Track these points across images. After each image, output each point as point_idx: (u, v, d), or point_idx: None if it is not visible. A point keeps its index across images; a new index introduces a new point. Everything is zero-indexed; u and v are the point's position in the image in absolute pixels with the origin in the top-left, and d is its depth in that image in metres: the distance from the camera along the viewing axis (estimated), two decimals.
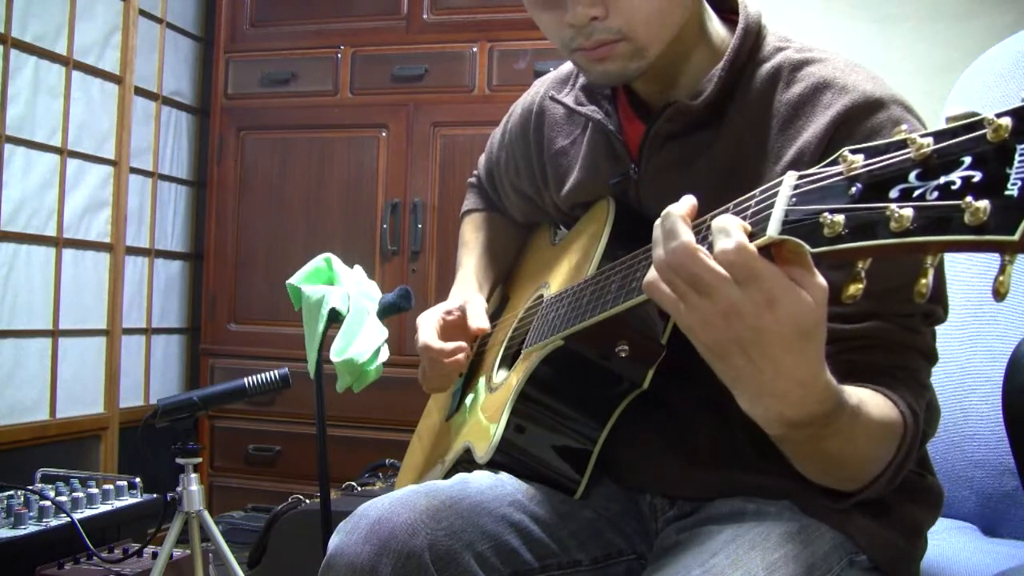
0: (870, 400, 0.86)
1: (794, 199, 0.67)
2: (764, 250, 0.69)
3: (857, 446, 0.85)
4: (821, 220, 0.63)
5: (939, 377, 1.37)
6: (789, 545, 0.95)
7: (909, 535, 1.02)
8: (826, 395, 0.77)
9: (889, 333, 0.92)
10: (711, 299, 0.70)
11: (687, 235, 0.71)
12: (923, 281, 0.61)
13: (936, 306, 0.96)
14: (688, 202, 0.75)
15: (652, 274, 0.74)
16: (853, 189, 0.63)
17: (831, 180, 0.65)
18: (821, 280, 0.71)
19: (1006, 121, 0.56)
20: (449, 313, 1.27)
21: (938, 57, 2.60)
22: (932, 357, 0.97)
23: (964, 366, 1.41)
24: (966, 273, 1.42)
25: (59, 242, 2.84)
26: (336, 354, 1.67)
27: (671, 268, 0.72)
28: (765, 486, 1.02)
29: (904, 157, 0.61)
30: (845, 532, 0.99)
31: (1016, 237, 0.54)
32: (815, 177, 0.66)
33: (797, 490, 0.98)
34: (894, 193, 0.60)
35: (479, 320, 1.25)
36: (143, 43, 3.19)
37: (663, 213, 0.74)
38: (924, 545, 1.06)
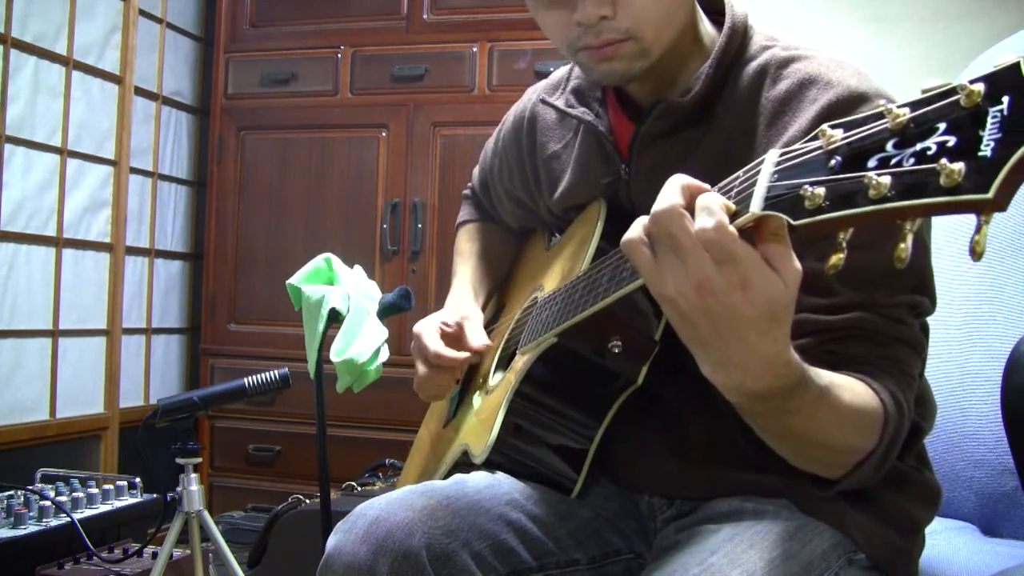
0: (844, 385, 0.86)
1: (776, 175, 0.68)
2: (746, 228, 0.70)
3: (826, 428, 0.85)
4: (802, 192, 0.64)
5: (939, 377, 1.37)
6: (787, 544, 0.95)
7: (906, 533, 1.03)
8: (787, 371, 0.77)
9: (874, 324, 0.93)
10: (686, 266, 0.71)
11: (676, 198, 0.72)
12: (902, 246, 0.61)
13: (922, 297, 0.96)
14: (700, 182, 0.75)
15: (634, 231, 0.75)
16: (833, 162, 0.64)
17: (811, 155, 0.66)
18: (796, 264, 0.71)
19: (978, 87, 0.56)
20: (447, 325, 1.27)
21: (938, 57, 2.61)
22: (919, 347, 0.97)
23: (963, 366, 1.41)
24: (967, 274, 1.42)
25: (59, 242, 2.84)
26: (336, 354, 1.67)
27: (654, 223, 0.72)
28: (763, 485, 1.02)
29: (881, 127, 0.62)
30: (843, 530, 0.99)
31: (990, 195, 0.54)
32: (796, 153, 0.68)
33: (794, 488, 0.98)
34: (872, 163, 0.61)
35: (478, 338, 1.25)
36: (143, 43, 3.19)
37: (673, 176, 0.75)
38: (922, 543, 1.06)
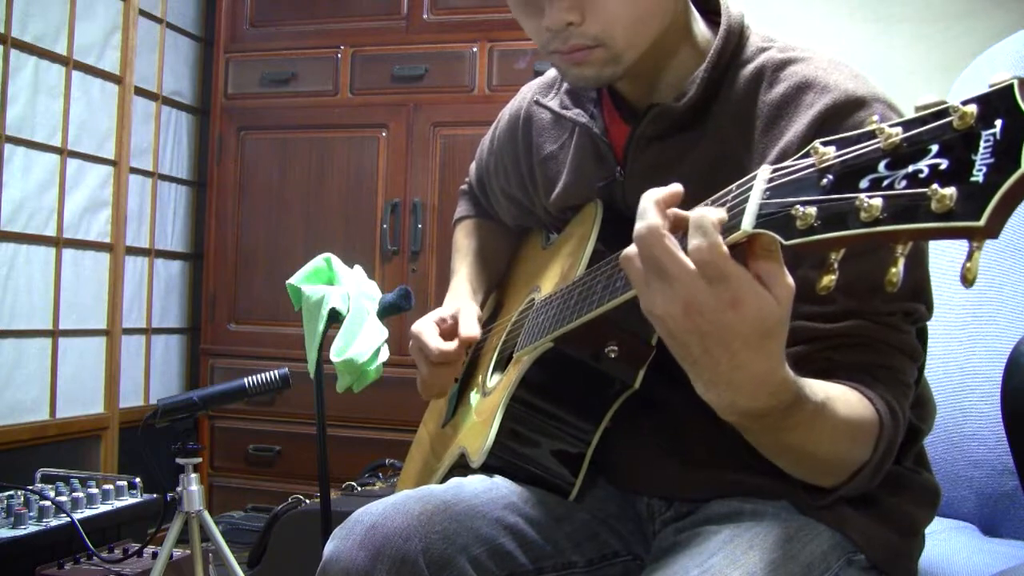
0: (840, 398, 0.86)
1: (768, 192, 0.68)
2: (737, 245, 0.69)
3: (821, 442, 0.85)
4: (793, 212, 0.64)
5: (939, 377, 1.37)
6: (787, 545, 0.95)
7: (906, 533, 1.02)
8: (782, 389, 0.77)
9: (869, 331, 0.92)
10: (672, 288, 0.71)
11: (654, 218, 0.72)
12: (893, 270, 0.61)
13: (918, 304, 0.96)
14: (671, 189, 0.74)
15: (632, 248, 0.75)
16: (825, 181, 0.63)
17: (803, 172, 0.65)
18: (789, 280, 0.71)
19: (971, 108, 0.56)
20: (443, 320, 1.27)
21: (938, 57, 2.60)
22: (915, 355, 0.97)
23: (964, 366, 1.41)
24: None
25: (59, 242, 2.84)
26: (336, 354, 1.67)
27: (637, 245, 0.72)
28: (762, 486, 1.02)
29: (874, 147, 0.61)
30: (842, 531, 0.99)
31: (982, 223, 0.54)
32: (788, 170, 0.67)
33: (793, 490, 0.98)
34: (864, 183, 0.61)
35: (469, 328, 1.24)
36: (143, 43, 3.19)
37: (644, 194, 0.74)
38: (921, 543, 1.06)
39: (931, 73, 2.54)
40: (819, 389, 0.83)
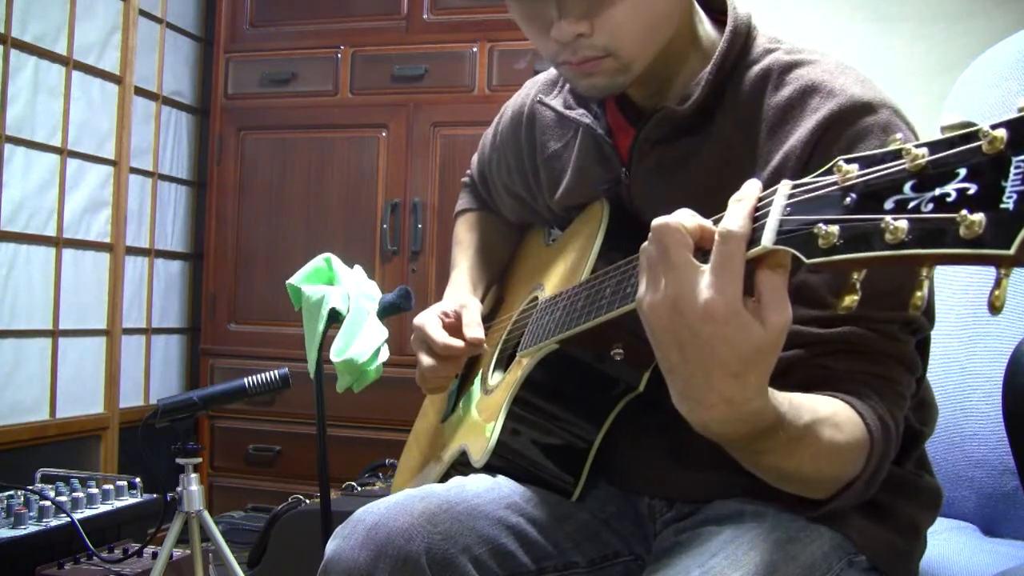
0: (828, 419, 0.84)
1: (788, 208, 0.66)
2: (751, 260, 0.69)
3: (801, 465, 0.83)
4: (816, 231, 0.63)
5: (939, 377, 1.37)
6: (788, 546, 0.95)
7: (907, 535, 1.02)
8: (757, 418, 0.75)
9: (866, 340, 0.91)
10: (666, 278, 0.70)
11: (685, 220, 0.72)
12: (918, 294, 0.59)
13: (917, 314, 0.95)
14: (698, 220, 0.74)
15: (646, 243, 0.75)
16: (848, 199, 0.62)
17: (826, 190, 0.64)
18: (787, 309, 0.70)
19: (1001, 133, 0.55)
20: (446, 315, 1.26)
21: (938, 57, 2.60)
22: (913, 367, 0.96)
23: (965, 366, 1.41)
24: (965, 271, 1.42)
25: (59, 242, 2.84)
26: (336, 354, 1.67)
27: (653, 231, 0.72)
28: (762, 487, 1.02)
29: (899, 168, 0.60)
30: (843, 532, 0.99)
31: (1012, 251, 0.53)
32: (810, 187, 0.66)
33: (791, 495, 0.98)
34: (889, 204, 0.59)
35: (474, 330, 1.23)
36: (143, 43, 3.19)
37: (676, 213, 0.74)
38: (923, 545, 1.06)
39: (931, 73, 2.53)
40: (806, 411, 0.81)
